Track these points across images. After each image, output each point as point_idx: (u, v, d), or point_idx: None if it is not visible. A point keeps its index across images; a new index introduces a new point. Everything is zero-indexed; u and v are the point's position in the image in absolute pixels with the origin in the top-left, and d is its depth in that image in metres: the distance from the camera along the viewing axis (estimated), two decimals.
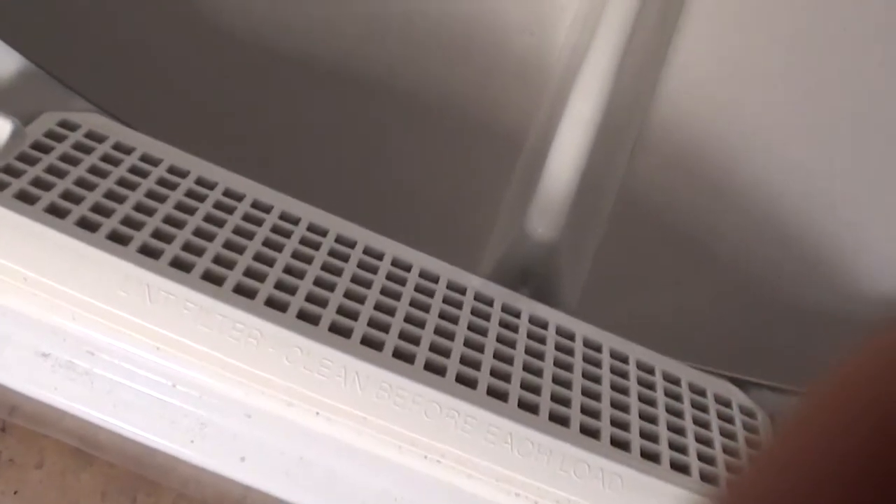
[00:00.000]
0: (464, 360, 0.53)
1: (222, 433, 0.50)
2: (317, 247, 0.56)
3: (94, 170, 0.54)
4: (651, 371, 0.60)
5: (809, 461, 0.18)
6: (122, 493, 0.79)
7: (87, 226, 0.50)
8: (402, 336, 0.52)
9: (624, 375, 0.59)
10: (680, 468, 0.54)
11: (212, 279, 0.50)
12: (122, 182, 0.54)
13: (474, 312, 0.57)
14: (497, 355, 0.55)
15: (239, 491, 0.52)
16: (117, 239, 0.50)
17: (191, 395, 0.49)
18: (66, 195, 0.52)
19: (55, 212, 0.50)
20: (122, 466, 0.77)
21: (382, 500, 0.51)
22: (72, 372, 0.49)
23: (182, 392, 0.49)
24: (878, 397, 0.18)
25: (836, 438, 0.18)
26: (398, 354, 0.51)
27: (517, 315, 0.59)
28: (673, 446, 0.55)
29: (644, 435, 0.55)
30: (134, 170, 0.55)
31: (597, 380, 0.57)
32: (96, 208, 0.52)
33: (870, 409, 0.18)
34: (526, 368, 0.55)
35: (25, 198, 0.50)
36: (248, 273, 0.51)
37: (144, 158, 0.56)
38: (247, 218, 0.55)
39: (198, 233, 0.53)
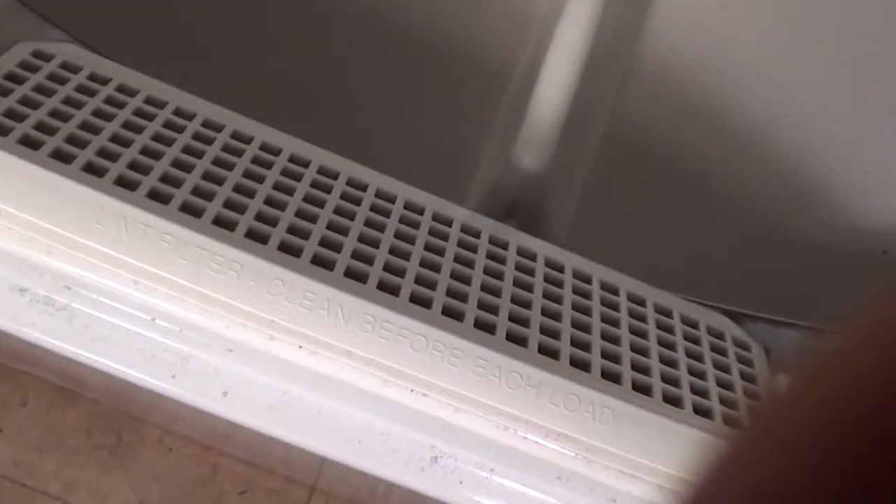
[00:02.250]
0: (450, 293, 0.52)
1: (204, 368, 0.49)
2: (298, 178, 0.54)
3: (68, 101, 0.53)
4: (642, 303, 0.59)
5: (821, 420, 0.18)
6: (107, 431, 0.79)
7: (61, 158, 0.49)
8: (387, 268, 0.51)
9: (614, 307, 0.58)
10: (672, 400, 0.53)
11: (190, 211, 0.49)
12: (97, 113, 0.53)
13: (461, 244, 0.56)
14: (484, 287, 0.54)
15: (225, 427, 0.51)
16: (93, 171, 0.49)
17: (171, 330, 0.48)
18: (40, 127, 0.50)
19: (29, 144, 0.49)
20: (107, 404, 0.77)
21: (368, 435, 0.50)
22: (50, 307, 0.48)
23: (162, 326, 0.48)
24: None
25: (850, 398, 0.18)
26: (383, 286, 0.50)
27: (505, 247, 0.58)
28: (665, 378, 0.55)
29: (636, 367, 0.54)
30: (110, 101, 0.54)
31: (587, 312, 0.56)
32: (71, 140, 0.50)
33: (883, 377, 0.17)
34: (514, 301, 0.54)
35: None
36: (228, 205, 0.50)
37: (121, 89, 0.55)
38: (226, 149, 0.54)
39: (176, 164, 0.51)
